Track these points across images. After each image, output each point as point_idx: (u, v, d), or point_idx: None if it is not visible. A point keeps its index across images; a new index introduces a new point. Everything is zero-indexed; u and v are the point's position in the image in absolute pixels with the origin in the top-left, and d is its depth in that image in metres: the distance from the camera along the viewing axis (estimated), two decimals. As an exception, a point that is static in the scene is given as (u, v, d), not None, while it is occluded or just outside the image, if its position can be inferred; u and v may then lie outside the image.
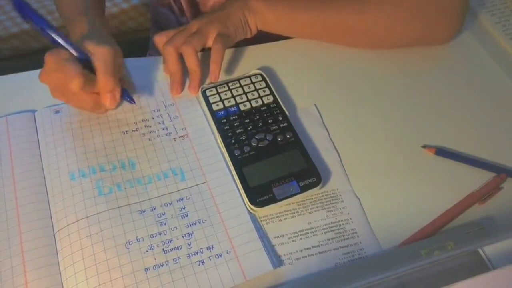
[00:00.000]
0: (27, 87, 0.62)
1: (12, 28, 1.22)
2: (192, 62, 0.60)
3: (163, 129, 0.58)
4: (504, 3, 0.73)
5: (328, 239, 0.50)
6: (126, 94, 0.59)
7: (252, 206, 0.51)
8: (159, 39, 0.63)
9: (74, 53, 0.53)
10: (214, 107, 0.59)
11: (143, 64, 0.65)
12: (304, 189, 0.51)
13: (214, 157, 0.55)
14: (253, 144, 0.55)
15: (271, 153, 0.54)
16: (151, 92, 0.62)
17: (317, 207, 0.52)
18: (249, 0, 0.65)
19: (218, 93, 0.61)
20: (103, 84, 0.54)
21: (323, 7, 0.64)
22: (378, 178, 0.54)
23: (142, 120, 0.59)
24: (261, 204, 0.51)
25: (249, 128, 0.57)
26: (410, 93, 0.62)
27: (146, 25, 1.26)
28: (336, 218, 0.51)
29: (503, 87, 0.63)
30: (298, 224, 0.50)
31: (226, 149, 0.55)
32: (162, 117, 0.59)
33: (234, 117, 0.58)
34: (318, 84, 0.63)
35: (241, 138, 0.56)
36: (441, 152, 0.55)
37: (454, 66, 0.66)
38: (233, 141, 0.56)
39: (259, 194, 0.51)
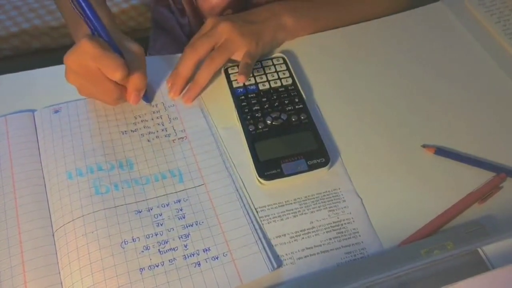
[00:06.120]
0: (27, 87, 0.62)
1: (12, 28, 1.22)
2: (204, 78, 0.60)
3: (162, 130, 0.58)
4: (504, 3, 0.73)
5: (330, 239, 0.49)
6: (145, 94, 0.59)
7: (260, 179, 0.52)
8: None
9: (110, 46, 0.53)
10: (234, 84, 0.61)
11: (142, 64, 0.65)
12: (311, 168, 0.53)
13: (213, 159, 0.55)
14: (267, 121, 0.57)
15: (283, 132, 0.56)
16: (151, 93, 0.62)
17: (319, 206, 0.52)
18: (281, 17, 0.65)
19: None
20: (136, 81, 0.55)
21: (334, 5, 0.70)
22: (379, 178, 0.54)
23: (142, 121, 0.59)
24: (268, 178, 0.52)
25: (265, 107, 0.59)
26: (410, 93, 0.62)
27: (146, 25, 1.26)
28: (338, 218, 0.51)
29: (503, 87, 0.63)
30: (300, 223, 0.50)
31: (241, 124, 0.57)
32: (161, 118, 0.59)
33: (252, 95, 0.60)
34: (320, 84, 0.63)
35: (256, 115, 0.58)
36: (441, 151, 0.55)
37: (454, 66, 0.66)
38: (248, 117, 0.58)
39: (268, 168, 0.53)
